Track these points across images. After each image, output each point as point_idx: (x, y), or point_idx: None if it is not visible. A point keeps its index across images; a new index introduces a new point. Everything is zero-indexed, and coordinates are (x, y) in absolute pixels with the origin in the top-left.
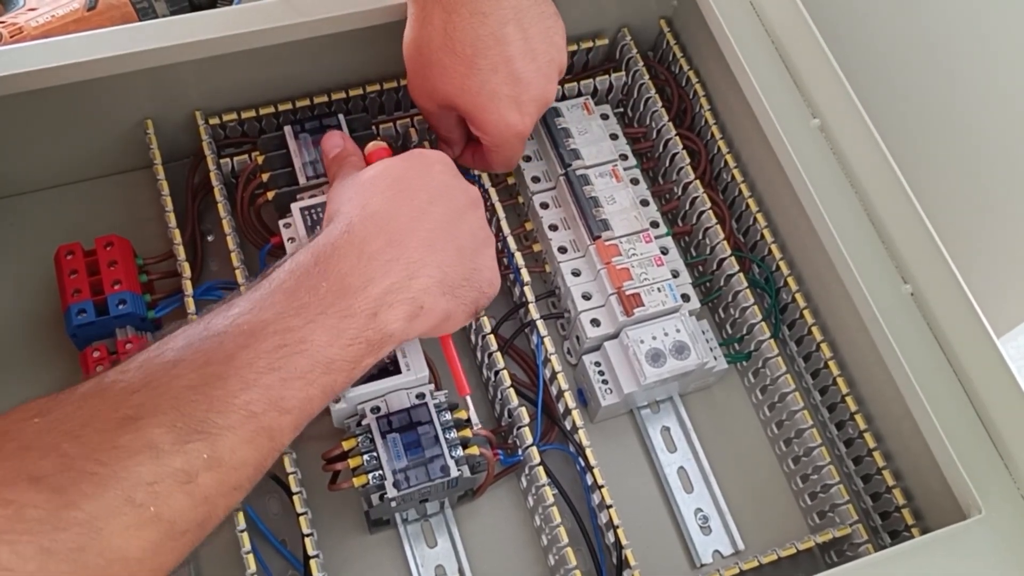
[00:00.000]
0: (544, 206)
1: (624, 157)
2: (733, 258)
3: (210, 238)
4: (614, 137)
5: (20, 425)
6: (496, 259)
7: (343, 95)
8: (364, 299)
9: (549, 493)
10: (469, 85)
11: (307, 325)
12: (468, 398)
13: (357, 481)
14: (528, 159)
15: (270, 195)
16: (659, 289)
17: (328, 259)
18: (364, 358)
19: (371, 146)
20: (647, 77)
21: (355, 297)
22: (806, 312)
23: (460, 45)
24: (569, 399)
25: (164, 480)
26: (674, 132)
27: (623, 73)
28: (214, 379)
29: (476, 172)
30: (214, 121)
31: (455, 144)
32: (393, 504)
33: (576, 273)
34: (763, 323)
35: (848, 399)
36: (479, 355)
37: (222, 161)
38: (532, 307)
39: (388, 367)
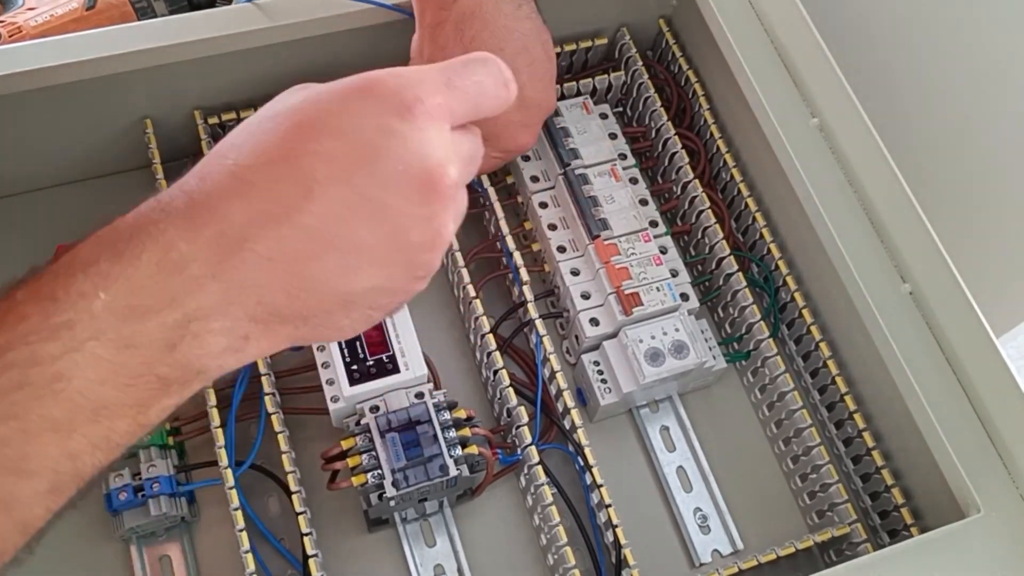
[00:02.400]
0: (543, 205)
1: (623, 156)
2: (732, 257)
3: None
4: (613, 136)
5: None
6: (400, 262)
7: None
8: (157, 326)
9: (548, 492)
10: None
11: (67, 355)
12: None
13: (356, 480)
14: (527, 158)
15: None
16: (658, 288)
17: (122, 252)
18: (159, 399)
19: None
20: (646, 76)
21: (142, 321)
22: (805, 311)
23: None
24: (568, 398)
25: None
26: (673, 131)
27: (622, 72)
28: None
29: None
30: (213, 120)
31: None
32: (392, 503)
33: (575, 272)
34: (762, 322)
35: (847, 398)
36: (478, 354)
37: None
38: (531, 306)
39: (387, 366)
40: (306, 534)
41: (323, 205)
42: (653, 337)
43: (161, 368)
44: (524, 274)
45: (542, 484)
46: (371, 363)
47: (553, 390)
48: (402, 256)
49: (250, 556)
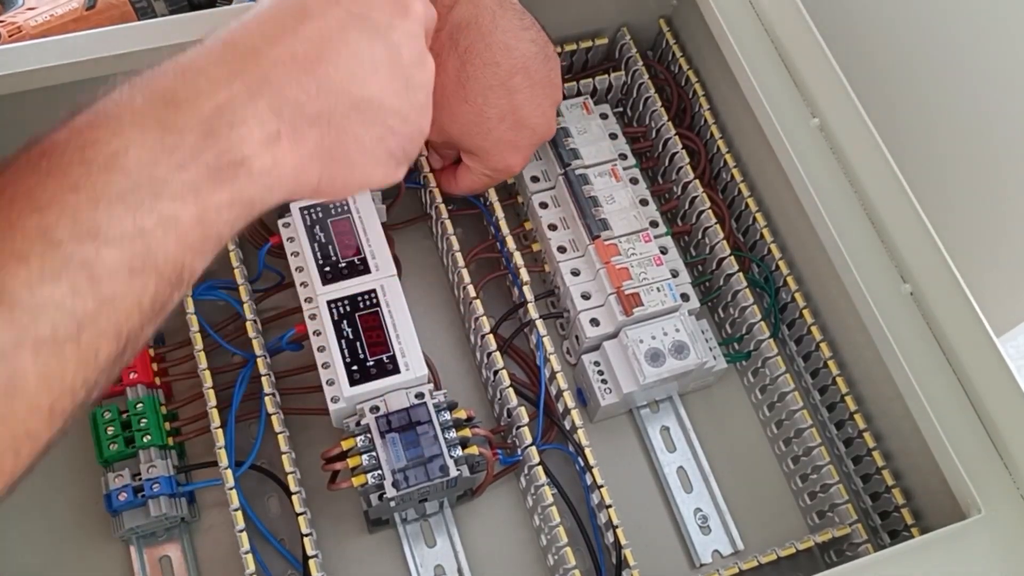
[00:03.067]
0: (543, 206)
1: (623, 156)
2: (732, 257)
3: None
4: (613, 136)
5: None
6: (414, 86)
7: None
8: (192, 114)
9: (548, 493)
10: (476, 131)
11: (116, 137)
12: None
13: (356, 481)
14: None
15: None
16: (658, 289)
17: (149, 71)
18: (212, 191)
19: None
20: (646, 76)
21: (178, 110)
22: (805, 311)
23: (472, 94)
24: (568, 399)
25: None
26: (673, 131)
27: (622, 72)
28: None
29: None
30: None
31: (445, 160)
32: (392, 504)
33: (575, 273)
34: (762, 323)
35: (847, 399)
36: (478, 355)
37: None
38: (531, 307)
39: (387, 366)
40: (306, 535)
41: (319, 22)
42: (653, 337)
43: (207, 154)
44: (524, 274)
45: (542, 484)
46: (371, 363)
47: (553, 390)
48: (399, 72)
49: (250, 557)
